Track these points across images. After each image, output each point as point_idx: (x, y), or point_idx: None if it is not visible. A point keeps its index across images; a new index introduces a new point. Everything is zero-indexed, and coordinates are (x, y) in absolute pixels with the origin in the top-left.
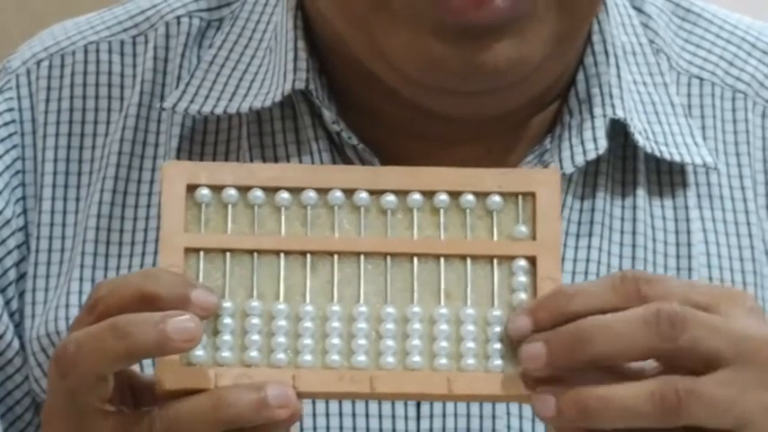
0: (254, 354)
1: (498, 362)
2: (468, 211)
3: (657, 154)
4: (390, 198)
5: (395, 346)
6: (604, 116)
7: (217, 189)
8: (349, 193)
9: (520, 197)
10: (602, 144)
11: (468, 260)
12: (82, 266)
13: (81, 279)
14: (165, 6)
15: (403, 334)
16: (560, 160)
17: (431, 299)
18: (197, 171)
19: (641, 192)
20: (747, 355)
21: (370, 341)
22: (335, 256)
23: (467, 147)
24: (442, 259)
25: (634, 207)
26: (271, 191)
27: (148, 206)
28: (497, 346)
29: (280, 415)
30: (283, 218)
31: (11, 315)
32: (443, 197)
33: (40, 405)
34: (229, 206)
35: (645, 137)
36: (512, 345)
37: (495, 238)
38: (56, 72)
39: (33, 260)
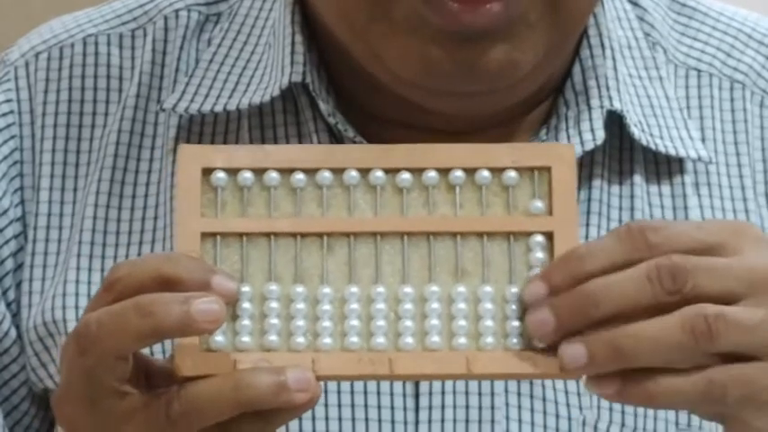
0: (273, 338)
1: (516, 340)
2: (483, 187)
3: (653, 146)
4: (406, 176)
5: (413, 327)
6: (601, 107)
7: (232, 172)
8: (364, 172)
9: (536, 172)
10: (600, 135)
11: (485, 237)
12: (79, 256)
13: (78, 268)
14: (163, 0)
15: (421, 314)
16: None
17: (448, 277)
18: (212, 154)
19: (638, 181)
20: (760, 286)
21: (389, 322)
22: (352, 237)
23: (463, 139)
24: (458, 237)
25: (631, 196)
26: (286, 172)
27: (146, 196)
28: (516, 323)
29: (299, 398)
30: (299, 199)
31: (8, 305)
32: (459, 174)
33: (38, 395)
34: (245, 189)
35: (640, 129)
36: None
37: (511, 214)
38: (54, 64)
39: (31, 250)
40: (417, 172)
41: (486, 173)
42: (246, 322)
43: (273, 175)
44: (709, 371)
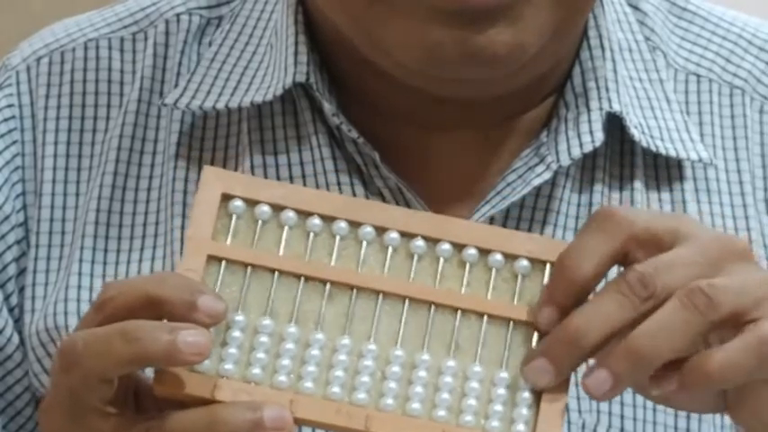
0: (256, 371)
1: (496, 423)
2: (494, 270)
3: (653, 149)
4: (420, 243)
5: (396, 389)
6: (600, 109)
7: (251, 203)
8: (381, 230)
9: (548, 265)
10: (599, 137)
11: (485, 318)
12: (81, 261)
13: (80, 273)
14: (164, 4)
15: (407, 379)
16: (557, 153)
17: (441, 349)
18: (234, 181)
19: (639, 186)
20: (717, 261)
21: (374, 380)
22: (355, 290)
23: (465, 136)
24: (459, 312)
25: (632, 201)
26: (304, 214)
27: (147, 201)
28: (499, 408)
29: None
30: (311, 243)
31: (10, 310)
32: (472, 251)
33: (40, 400)
34: (260, 222)
35: (641, 131)
36: (513, 408)
37: (517, 302)
38: (56, 68)
39: (33, 255)
40: (432, 241)
41: (499, 256)
42: (234, 351)
43: (291, 214)
44: (749, 330)
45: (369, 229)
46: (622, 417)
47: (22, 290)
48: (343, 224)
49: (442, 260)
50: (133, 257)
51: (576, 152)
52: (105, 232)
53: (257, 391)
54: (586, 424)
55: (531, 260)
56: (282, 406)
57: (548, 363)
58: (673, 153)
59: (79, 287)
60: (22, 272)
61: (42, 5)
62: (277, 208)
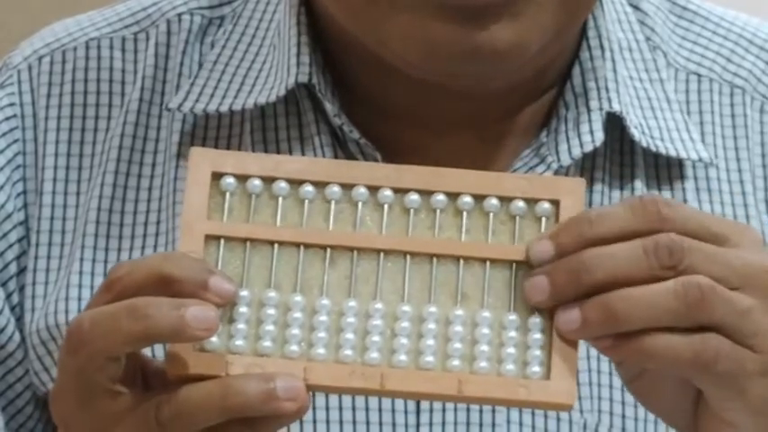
0: (267, 344)
1: (511, 366)
2: (491, 214)
3: (653, 149)
4: (414, 197)
5: (408, 345)
6: (600, 109)
7: (242, 178)
8: (373, 190)
9: (544, 204)
10: (599, 137)
11: (488, 263)
12: (82, 260)
13: (81, 272)
14: (166, 4)
15: (417, 333)
16: (557, 153)
17: (447, 300)
18: (223, 159)
19: (639, 186)
20: (753, 281)
21: (384, 338)
22: (355, 252)
23: (464, 135)
24: (461, 261)
25: None
26: (295, 183)
27: (149, 200)
28: (511, 350)
29: (287, 408)
30: (306, 211)
31: (12, 308)
32: (467, 199)
33: (41, 398)
34: (253, 196)
35: (641, 131)
36: (526, 350)
37: (516, 243)
38: (57, 68)
39: (33, 254)
40: (426, 194)
41: (494, 201)
42: (242, 326)
43: (282, 185)
44: (704, 335)
45: (362, 190)
46: (624, 416)
47: (23, 288)
48: (335, 188)
49: (438, 211)
50: (134, 256)
51: (577, 152)
52: (106, 231)
53: (270, 363)
54: (588, 424)
55: (526, 200)
56: (295, 376)
57: (547, 283)
58: (673, 153)
59: (80, 286)
60: (23, 270)
61: (42, 5)
62: (268, 180)
